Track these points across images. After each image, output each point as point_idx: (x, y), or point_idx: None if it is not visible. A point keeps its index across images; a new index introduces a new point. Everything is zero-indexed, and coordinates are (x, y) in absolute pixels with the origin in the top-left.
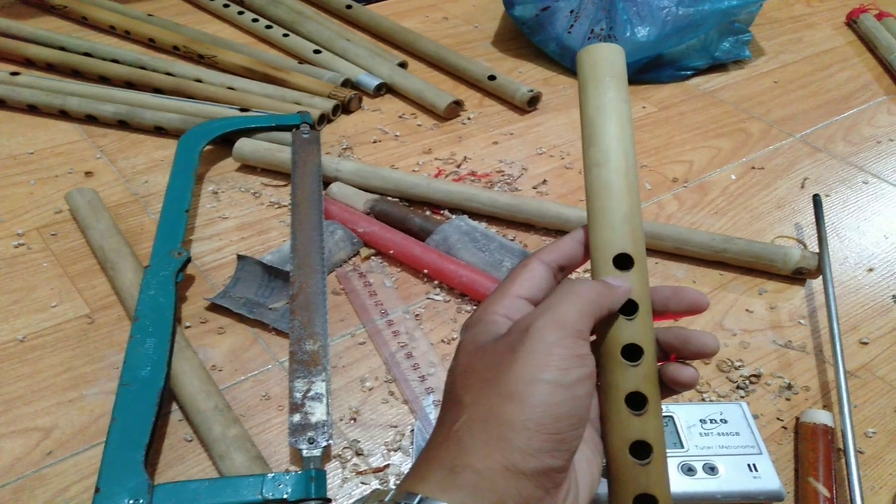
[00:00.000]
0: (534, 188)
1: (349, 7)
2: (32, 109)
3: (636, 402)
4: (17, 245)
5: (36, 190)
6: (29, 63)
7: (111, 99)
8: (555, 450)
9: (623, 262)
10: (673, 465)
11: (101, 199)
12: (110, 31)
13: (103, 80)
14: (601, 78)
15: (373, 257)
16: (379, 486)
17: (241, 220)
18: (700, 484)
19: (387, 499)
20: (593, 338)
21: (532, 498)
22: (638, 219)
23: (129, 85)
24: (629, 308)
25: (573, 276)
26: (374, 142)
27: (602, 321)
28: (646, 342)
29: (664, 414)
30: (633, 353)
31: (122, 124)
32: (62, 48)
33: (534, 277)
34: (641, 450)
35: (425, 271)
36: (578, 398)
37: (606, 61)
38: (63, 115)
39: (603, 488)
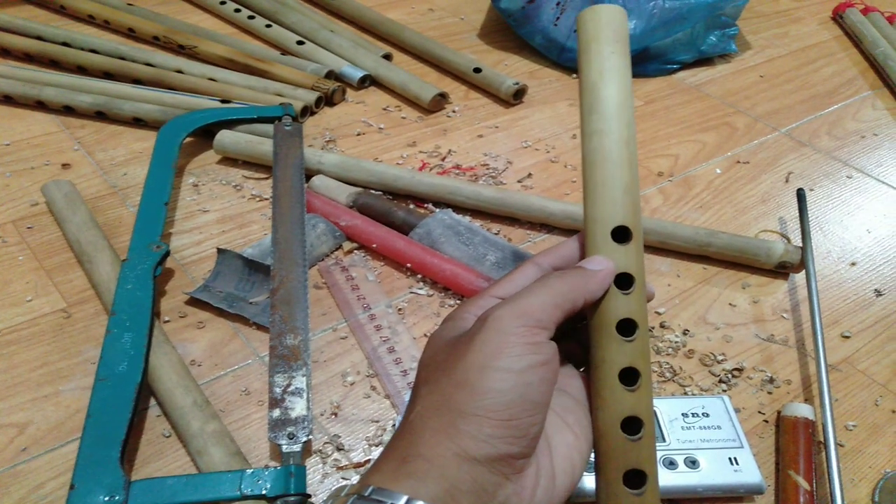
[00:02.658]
0: (518, 182)
1: None
2: (8, 100)
3: (630, 377)
4: None
5: (11, 182)
6: (4, 52)
7: (89, 90)
8: (509, 436)
9: (622, 235)
10: None
11: (78, 192)
12: (89, 20)
13: (81, 70)
14: (605, 41)
15: (355, 251)
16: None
17: (222, 214)
18: (681, 477)
19: (344, 492)
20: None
21: (488, 484)
22: (637, 191)
23: (108, 75)
24: (625, 282)
25: None
26: (358, 134)
27: (589, 307)
28: (640, 317)
29: None
30: (628, 327)
31: (101, 115)
32: (39, 37)
33: (518, 279)
34: (633, 425)
35: (408, 265)
36: (530, 385)
37: (610, 24)
38: (40, 105)
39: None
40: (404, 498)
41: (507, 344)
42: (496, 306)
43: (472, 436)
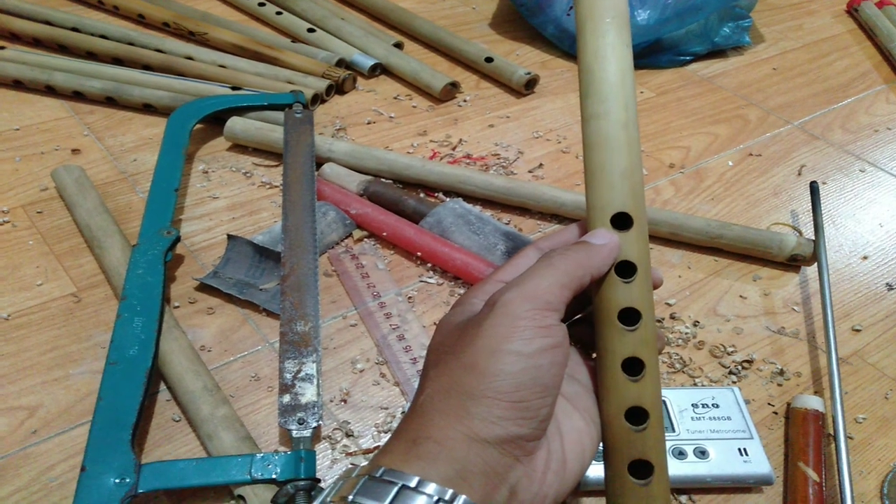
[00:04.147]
0: (529, 172)
1: None
2: (18, 85)
3: (633, 367)
4: (2, 223)
5: (21, 167)
6: (14, 37)
7: (99, 75)
8: (519, 417)
9: (622, 221)
10: None
11: (88, 177)
12: (98, 5)
13: (91, 55)
14: (600, 19)
15: (365, 239)
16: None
17: (232, 200)
18: (690, 467)
19: (354, 473)
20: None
21: (499, 465)
22: (639, 175)
23: (118, 61)
24: (627, 270)
25: None
26: (369, 123)
27: (595, 283)
28: (644, 306)
29: None
30: (630, 317)
31: (110, 101)
32: (48, 22)
33: (523, 263)
34: (637, 415)
35: (418, 254)
36: (541, 367)
37: (606, 2)
38: (49, 90)
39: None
40: (415, 479)
41: (517, 328)
42: (503, 290)
43: (482, 417)
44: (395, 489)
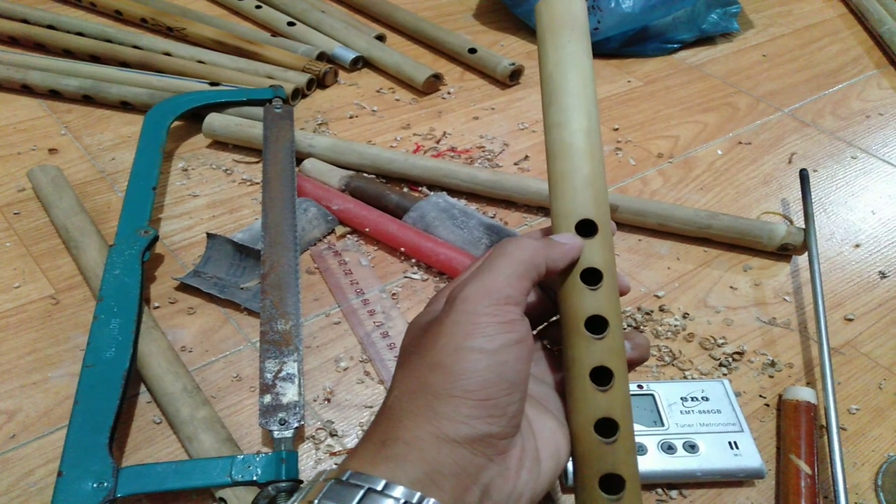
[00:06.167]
0: (515, 164)
1: None
2: None
3: (601, 376)
4: None
5: None
6: None
7: (76, 73)
8: (488, 416)
9: (586, 228)
10: (653, 443)
11: (64, 177)
12: (75, 2)
13: (67, 53)
14: (560, 31)
15: (348, 235)
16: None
17: (212, 198)
18: (680, 462)
19: (322, 477)
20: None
21: (471, 465)
22: (601, 182)
23: (95, 59)
24: (592, 277)
25: None
26: (351, 117)
27: (561, 292)
28: (611, 314)
29: (645, 392)
30: (597, 325)
31: (88, 99)
32: (24, 20)
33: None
34: (607, 427)
35: (402, 249)
36: (506, 364)
37: (566, 13)
38: (25, 89)
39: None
40: (382, 482)
41: (478, 324)
42: (461, 285)
43: (450, 417)
44: (361, 493)
